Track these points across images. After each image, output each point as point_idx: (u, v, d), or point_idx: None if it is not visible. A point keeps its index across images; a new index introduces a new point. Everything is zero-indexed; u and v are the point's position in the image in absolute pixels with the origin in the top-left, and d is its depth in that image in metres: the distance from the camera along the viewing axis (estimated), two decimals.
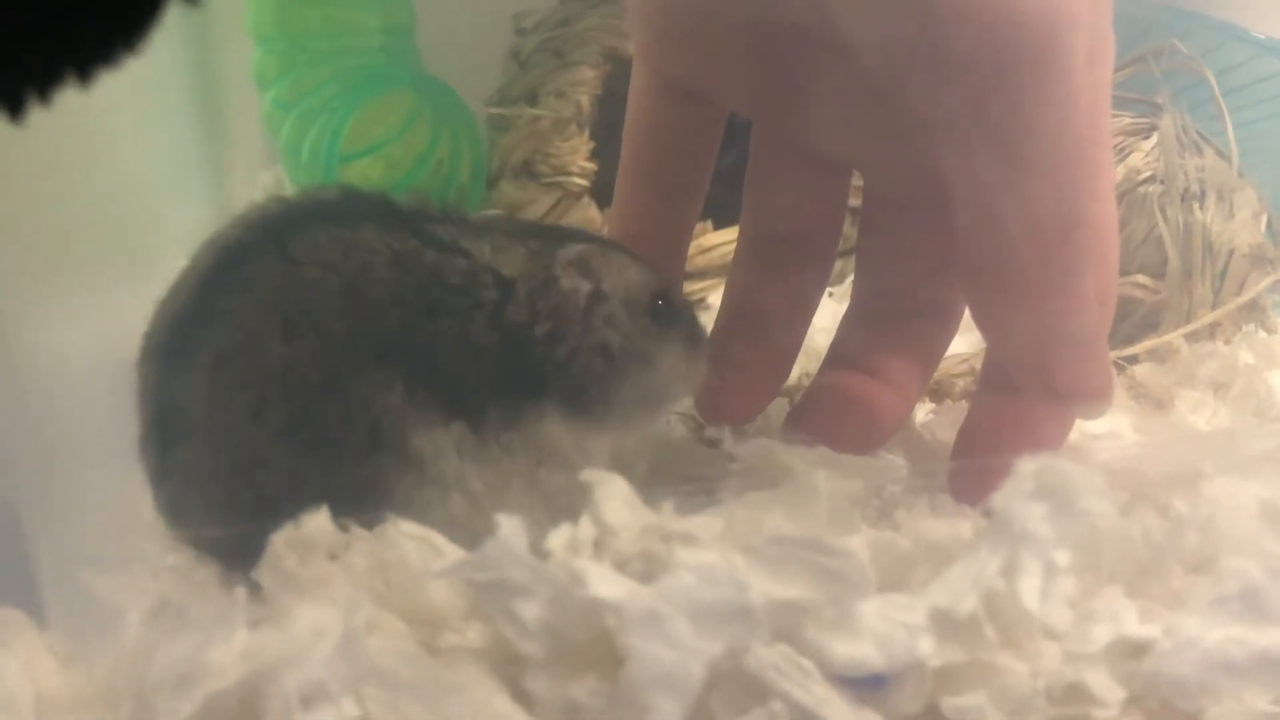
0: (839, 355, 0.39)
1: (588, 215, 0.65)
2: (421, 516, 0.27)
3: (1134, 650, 0.25)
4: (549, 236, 0.35)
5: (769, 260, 0.39)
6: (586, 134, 0.65)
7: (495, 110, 0.67)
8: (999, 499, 0.25)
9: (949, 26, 0.28)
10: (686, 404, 0.41)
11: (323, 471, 0.28)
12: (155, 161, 0.52)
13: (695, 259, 0.67)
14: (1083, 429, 0.42)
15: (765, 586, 0.23)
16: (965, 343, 0.48)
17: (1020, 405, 0.33)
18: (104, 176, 0.42)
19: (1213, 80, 0.55)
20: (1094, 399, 0.31)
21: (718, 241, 0.67)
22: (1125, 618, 0.26)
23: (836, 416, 0.37)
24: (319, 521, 0.24)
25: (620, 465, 0.33)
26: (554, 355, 0.32)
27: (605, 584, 0.23)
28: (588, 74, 0.64)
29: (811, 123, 0.35)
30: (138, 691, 0.23)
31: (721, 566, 0.23)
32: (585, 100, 0.64)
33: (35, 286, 0.34)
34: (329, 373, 0.29)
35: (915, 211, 0.36)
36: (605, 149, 0.65)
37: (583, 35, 0.66)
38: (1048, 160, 0.29)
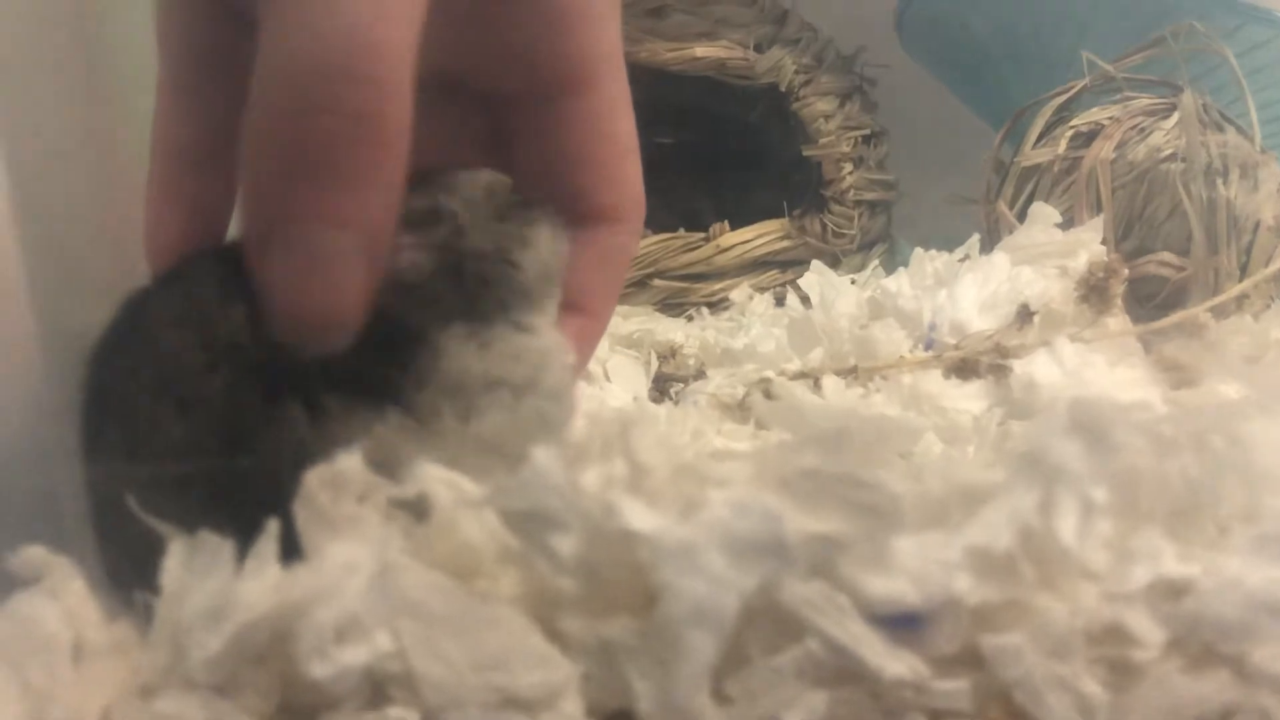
0: None
1: None
2: None
3: (1174, 591, 0.25)
4: None
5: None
6: None
7: None
8: (1031, 435, 0.25)
9: None
10: None
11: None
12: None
13: (714, 259, 0.67)
14: (1111, 399, 0.42)
15: (799, 520, 0.23)
16: (989, 320, 0.48)
17: None
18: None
19: (1233, 60, 0.55)
20: (295, 326, 0.27)
21: (736, 241, 0.67)
22: (1164, 557, 0.25)
23: None
24: (352, 461, 0.24)
25: None
26: (425, 290, 0.30)
27: (639, 516, 0.22)
28: None
29: None
30: (173, 633, 0.23)
31: (754, 499, 0.23)
32: None
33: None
34: (232, 431, 0.27)
35: None
36: None
37: None
38: None
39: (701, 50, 0.66)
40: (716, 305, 0.65)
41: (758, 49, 0.67)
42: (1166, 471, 0.26)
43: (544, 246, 0.33)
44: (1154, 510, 0.26)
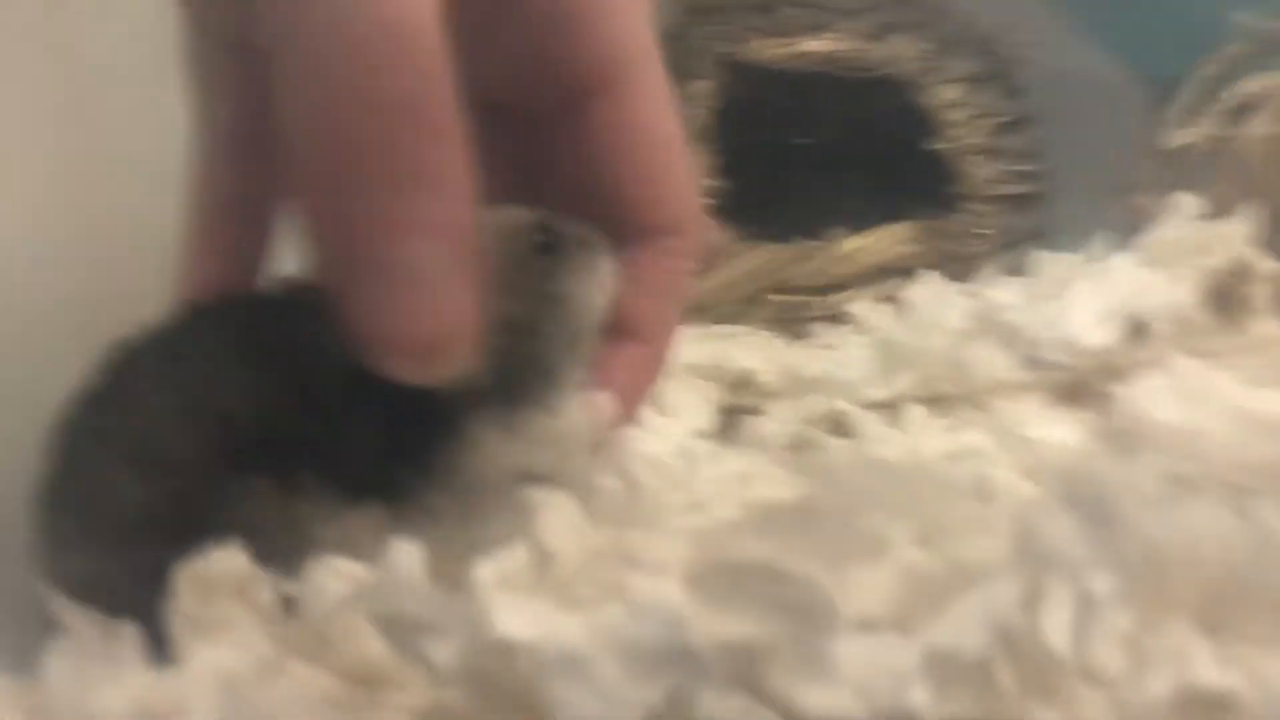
0: None
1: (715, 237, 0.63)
2: None
3: (1207, 705, 0.20)
4: None
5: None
6: (709, 150, 0.62)
7: None
8: (1019, 513, 0.21)
9: None
10: None
11: None
12: None
13: (832, 269, 0.63)
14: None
15: (711, 622, 0.20)
16: (1107, 334, 0.42)
17: None
18: None
19: None
20: (406, 356, 0.24)
21: (855, 248, 0.63)
22: (1194, 660, 0.20)
23: None
24: (228, 558, 0.22)
25: None
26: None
27: (518, 619, 0.20)
28: (702, 86, 0.62)
29: None
30: None
31: (654, 598, 0.20)
32: (704, 114, 0.62)
33: None
34: (189, 508, 0.25)
35: None
36: (733, 164, 0.62)
37: (697, 46, 0.63)
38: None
39: (809, 44, 0.62)
40: (836, 320, 0.61)
41: (874, 38, 0.62)
42: (1198, 549, 0.21)
43: (575, 301, 0.29)
44: (1182, 598, 0.21)
